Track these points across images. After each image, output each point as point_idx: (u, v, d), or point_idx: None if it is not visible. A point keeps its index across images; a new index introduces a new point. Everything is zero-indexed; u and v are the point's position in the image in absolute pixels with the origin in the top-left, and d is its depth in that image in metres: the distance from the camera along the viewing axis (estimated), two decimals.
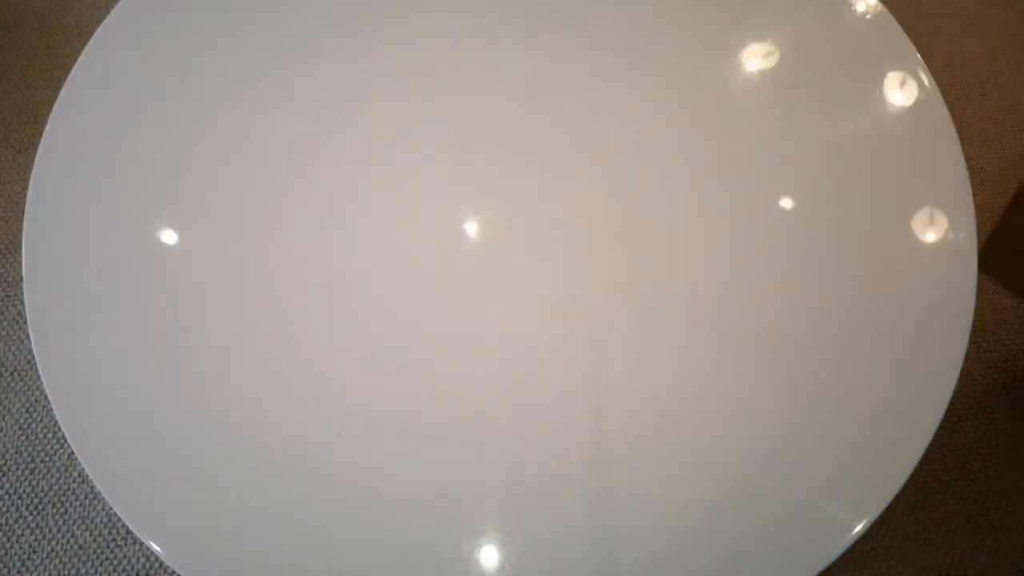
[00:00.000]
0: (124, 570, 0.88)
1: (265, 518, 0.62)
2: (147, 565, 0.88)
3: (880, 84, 0.79)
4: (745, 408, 0.66)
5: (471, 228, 0.73)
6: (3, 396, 0.97)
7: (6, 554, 0.88)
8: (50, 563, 0.88)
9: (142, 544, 0.89)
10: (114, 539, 0.89)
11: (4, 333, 1.00)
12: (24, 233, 0.72)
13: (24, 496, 0.91)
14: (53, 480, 0.92)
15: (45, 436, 0.94)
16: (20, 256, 0.72)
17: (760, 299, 0.70)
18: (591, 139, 0.77)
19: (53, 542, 0.89)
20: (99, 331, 0.68)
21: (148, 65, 0.80)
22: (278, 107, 0.77)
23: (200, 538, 0.62)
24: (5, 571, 0.87)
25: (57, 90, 0.78)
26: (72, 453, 0.92)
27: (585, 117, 0.78)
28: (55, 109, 0.77)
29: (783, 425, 0.65)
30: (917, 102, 0.78)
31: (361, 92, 0.78)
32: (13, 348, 0.99)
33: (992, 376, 1.11)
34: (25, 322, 1.00)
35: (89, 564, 0.88)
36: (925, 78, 0.79)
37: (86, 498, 0.91)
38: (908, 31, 0.82)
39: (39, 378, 0.79)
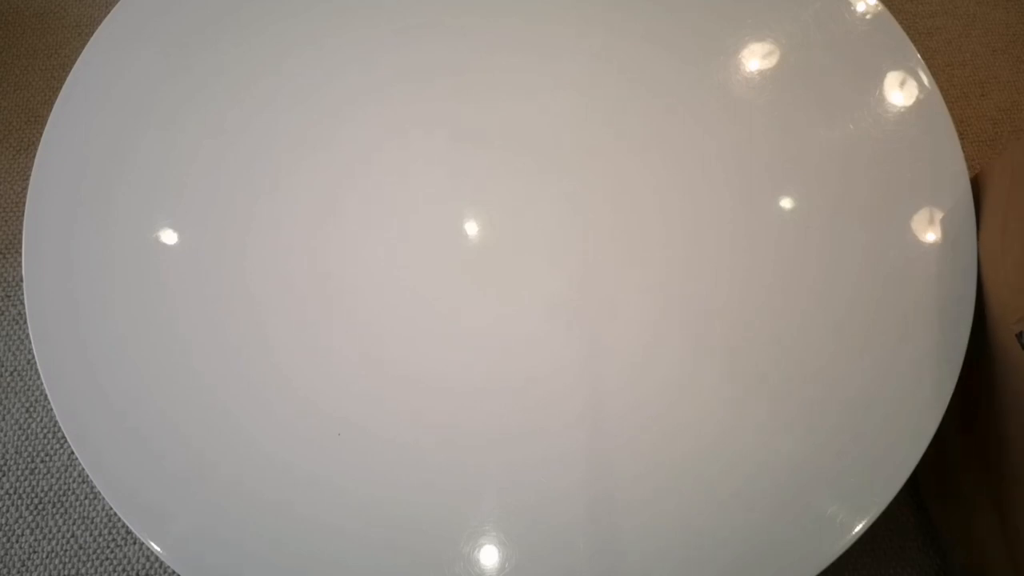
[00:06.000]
0: (124, 570, 0.88)
1: (265, 518, 0.62)
2: (147, 565, 0.88)
3: (880, 84, 0.79)
4: (745, 408, 0.66)
5: (472, 229, 0.73)
6: (3, 396, 0.96)
7: (6, 554, 0.88)
8: (50, 563, 0.88)
9: (142, 544, 0.89)
10: (114, 539, 0.89)
11: (4, 333, 1.00)
12: (24, 233, 0.72)
13: (24, 496, 0.91)
14: (53, 480, 0.92)
15: (45, 436, 0.94)
16: (20, 256, 0.72)
17: (759, 299, 0.70)
18: (592, 139, 0.77)
19: (53, 542, 0.89)
20: (99, 331, 0.68)
21: (148, 65, 0.80)
22: (278, 106, 0.77)
23: (200, 538, 0.62)
24: (5, 571, 0.87)
25: (57, 90, 0.78)
26: (72, 453, 0.92)
27: (586, 117, 0.78)
28: (55, 109, 0.78)
29: (783, 425, 0.65)
30: (917, 102, 0.78)
31: (362, 92, 0.78)
32: (13, 348, 0.99)
33: None
34: (25, 322, 1.00)
35: (89, 564, 0.88)
36: (925, 78, 0.79)
37: (86, 498, 0.91)
38: (908, 31, 0.82)
39: (39, 378, 0.79)
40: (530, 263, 0.72)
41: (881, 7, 0.83)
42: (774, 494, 0.63)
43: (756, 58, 0.81)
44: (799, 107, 0.78)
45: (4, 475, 0.92)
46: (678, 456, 0.64)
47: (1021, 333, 0.63)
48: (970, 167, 0.76)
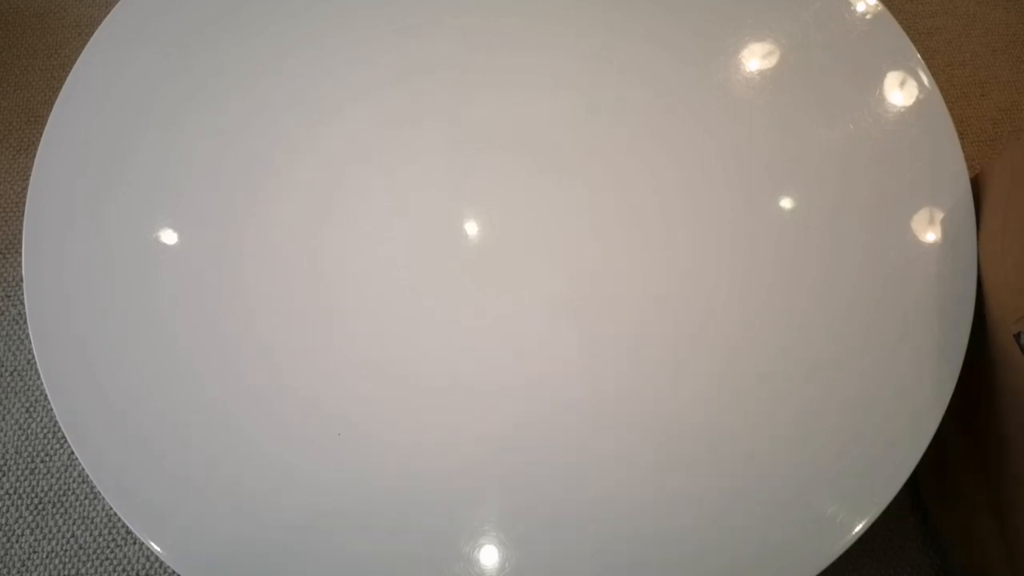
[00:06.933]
0: (124, 570, 0.88)
1: (265, 518, 0.62)
2: (147, 565, 0.88)
3: (880, 84, 0.79)
4: (745, 408, 0.66)
5: (472, 229, 0.73)
6: (3, 396, 0.96)
7: (6, 554, 0.88)
8: (50, 563, 0.88)
9: (142, 544, 0.89)
10: (114, 539, 0.89)
11: (4, 333, 1.00)
12: (24, 233, 0.72)
13: (24, 496, 0.91)
14: (53, 480, 0.92)
15: (45, 436, 0.94)
16: (20, 256, 0.72)
17: (759, 299, 0.70)
18: (592, 139, 0.77)
19: (53, 542, 0.89)
20: (99, 331, 0.68)
21: (148, 64, 0.80)
22: (278, 106, 0.77)
23: (200, 538, 0.62)
24: (5, 571, 0.87)
25: (57, 90, 0.78)
26: (72, 453, 0.92)
27: (586, 117, 0.78)
28: (55, 109, 0.78)
29: (783, 425, 0.65)
30: (917, 102, 0.78)
31: (362, 92, 0.78)
32: (13, 348, 0.99)
33: None
34: (25, 322, 1.00)
35: (89, 564, 0.88)
36: (925, 78, 0.79)
37: (86, 498, 0.91)
38: (908, 31, 0.82)
39: (39, 378, 0.79)
40: (530, 263, 0.72)
41: (881, 7, 0.83)
42: (774, 494, 0.63)
43: (756, 58, 0.81)
44: (799, 107, 0.78)
45: (4, 475, 0.92)
46: (677, 456, 0.64)
47: (1019, 334, 0.63)
48: (970, 167, 0.76)
